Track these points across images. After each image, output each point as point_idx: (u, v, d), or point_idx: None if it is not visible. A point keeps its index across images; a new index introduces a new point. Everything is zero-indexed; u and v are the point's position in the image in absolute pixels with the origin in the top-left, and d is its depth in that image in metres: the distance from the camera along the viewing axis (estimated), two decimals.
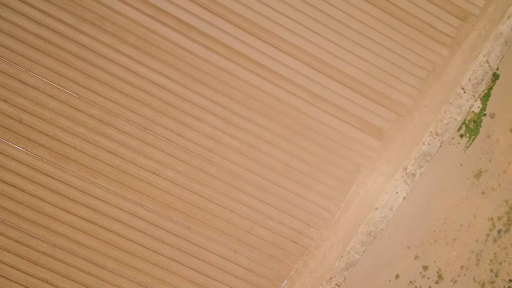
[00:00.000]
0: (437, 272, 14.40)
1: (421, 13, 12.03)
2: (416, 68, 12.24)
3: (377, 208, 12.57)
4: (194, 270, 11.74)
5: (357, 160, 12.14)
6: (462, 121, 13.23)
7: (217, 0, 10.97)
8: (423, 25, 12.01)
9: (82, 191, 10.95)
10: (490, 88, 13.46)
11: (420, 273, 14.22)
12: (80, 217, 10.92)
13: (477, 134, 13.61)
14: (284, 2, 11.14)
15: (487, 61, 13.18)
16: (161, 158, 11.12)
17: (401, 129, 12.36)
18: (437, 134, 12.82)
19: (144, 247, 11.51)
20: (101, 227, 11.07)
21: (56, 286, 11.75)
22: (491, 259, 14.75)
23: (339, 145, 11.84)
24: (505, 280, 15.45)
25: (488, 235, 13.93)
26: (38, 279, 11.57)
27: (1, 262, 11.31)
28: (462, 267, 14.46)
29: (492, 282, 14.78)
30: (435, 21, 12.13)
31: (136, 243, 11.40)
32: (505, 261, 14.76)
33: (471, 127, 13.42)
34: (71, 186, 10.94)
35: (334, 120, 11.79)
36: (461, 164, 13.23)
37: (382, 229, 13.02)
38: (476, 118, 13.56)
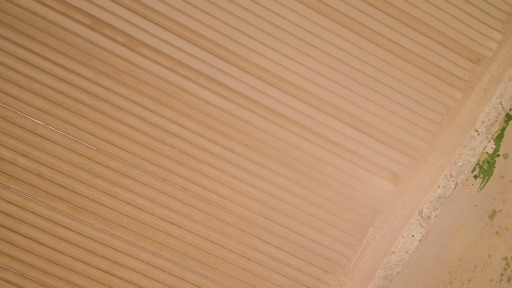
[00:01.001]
0: None
1: (433, 56, 12.10)
2: (430, 111, 12.30)
3: (393, 252, 12.63)
4: None
5: (373, 205, 12.17)
6: (476, 162, 13.25)
7: (231, 49, 11.04)
8: (436, 68, 12.08)
9: (101, 243, 10.97)
10: (503, 129, 13.54)
11: None
12: (99, 269, 10.94)
13: (491, 175, 13.68)
14: (298, 50, 11.23)
15: (500, 103, 13.28)
16: (178, 208, 11.16)
17: (416, 173, 12.40)
18: (451, 176, 12.87)
19: None
20: (120, 278, 11.10)
21: None
22: None
23: (354, 190, 11.87)
24: None
25: (502, 274, 13.94)
26: None
27: None
28: None
29: None
30: (448, 65, 12.19)
31: None
32: None
33: (485, 168, 13.44)
34: (90, 238, 10.97)
35: (349, 166, 11.84)
36: (475, 205, 13.26)
37: (398, 272, 13.06)
38: (489, 159, 13.64)
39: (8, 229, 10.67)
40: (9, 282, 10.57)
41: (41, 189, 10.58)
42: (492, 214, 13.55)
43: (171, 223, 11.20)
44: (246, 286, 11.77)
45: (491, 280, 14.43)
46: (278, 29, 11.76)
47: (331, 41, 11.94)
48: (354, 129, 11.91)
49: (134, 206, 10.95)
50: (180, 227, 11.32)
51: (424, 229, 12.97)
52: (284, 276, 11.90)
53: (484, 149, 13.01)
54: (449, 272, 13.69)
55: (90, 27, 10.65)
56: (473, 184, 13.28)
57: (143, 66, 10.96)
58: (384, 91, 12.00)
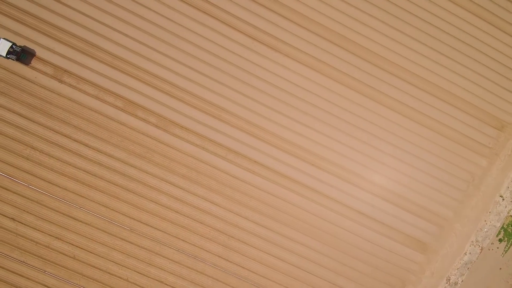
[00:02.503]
0: None
1: (458, 125, 12.21)
2: (456, 179, 12.39)
3: None
4: None
5: (401, 275, 12.25)
6: (501, 226, 13.37)
7: (260, 125, 11.15)
8: (461, 136, 12.18)
9: None
10: None
11: None
12: None
13: None
14: (329, 125, 11.33)
15: None
16: (210, 285, 11.24)
17: (443, 241, 12.49)
18: (477, 242, 12.96)
19: None
20: None
21: None
22: None
23: (383, 261, 11.95)
24: None
25: None
26: None
27: None
28: None
29: None
30: (473, 132, 12.30)
31: None
32: None
33: (509, 231, 13.54)
34: None
35: (377, 236, 11.93)
36: (500, 268, 13.36)
37: None
38: None
39: None
40: None
41: (76, 271, 10.67)
42: None
43: None
44: None
45: None
46: (310, 105, 11.83)
47: (362, 116, 12.05)
48: (382, 199, 11.99)
49: (167, 285, 11.04)
50: None
51: None
52: None
53: (508, 212, 13.12)
54: None
55: (122, 109, 10.77)
56: (497, 248, 13.37)
57: (174, 145, 11.07)
58: (411, 161, 12.11)
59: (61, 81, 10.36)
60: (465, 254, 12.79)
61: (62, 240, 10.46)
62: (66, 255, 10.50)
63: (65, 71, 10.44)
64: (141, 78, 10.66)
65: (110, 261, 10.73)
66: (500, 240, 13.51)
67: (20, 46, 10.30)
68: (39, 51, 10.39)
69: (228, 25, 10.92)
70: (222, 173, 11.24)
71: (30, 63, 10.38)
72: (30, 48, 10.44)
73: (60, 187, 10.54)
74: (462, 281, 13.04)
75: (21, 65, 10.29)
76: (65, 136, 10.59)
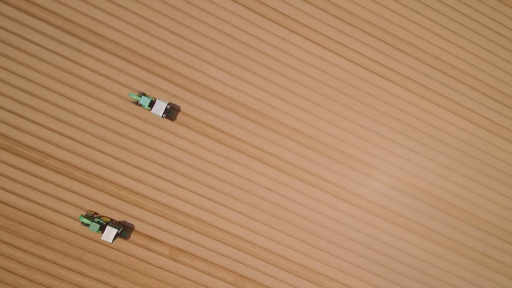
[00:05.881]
0: None
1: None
2: None
3: None
4: None
5: None
6: None
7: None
8: None
9: None
10: None
11: None
12: None
13: None
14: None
15: None
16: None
17: None
18: None
19: None
20: None
21: None
22: None
23: None
24: None
25: None
26: None
27: None
28: None
29: None
30: None
31: None
32: None
33: None
34: None
35: None
36: None
37: None
38: None
39: None
40: None
41: None
42: None
43: None
44: None
45: None
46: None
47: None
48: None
49: None
50: None
51: None
52: None
53: None
54: None
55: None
56: None
57: None
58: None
59: (176, 260, 10.78)
60: None
61: None
62: None
63: (180, 250, 10.91)
64: (253, 253, 11.18)
65: None
66: None
67: (120, 225, 10.77)
68: (153, 234, 10.82)
69: None
70: None
71: (130, 237, 10.80)
72: (129, 223, 10.94)
73: None
74: None
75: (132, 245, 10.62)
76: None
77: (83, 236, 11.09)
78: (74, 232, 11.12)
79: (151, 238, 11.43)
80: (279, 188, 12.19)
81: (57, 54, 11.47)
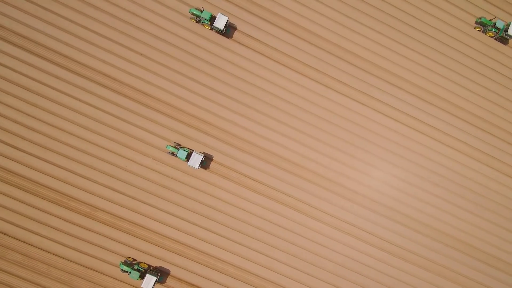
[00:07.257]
0: None
1: None
2: None
3: None
4: None
5: None
6: None
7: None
8: None
9: None
10: None
11: None
12: None
13: None
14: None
15: None
16: None
17: None
18: None
19: None
20: None
21: None
22: None
23: None
24: None
25: None
26: None
27: None
28: None
29: None
30: None
31: None
32: None
33: None
34: None
35: None
36: None
37: None
38: None
39: None
40: None
41: None
42: None
43: None
44: None
45: None
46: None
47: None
48: None
49: None
50: None
51: None
52: None
53: None
54: None
55: None
56: None
57: None
58: None
59: None
60: None
61: None
62: None
63: None
64: None
65: None
66: None
67: (157, 271, 11.07)
68: None
69: None
70: None
71: (165, 281, 11.15)
72: (165, 268, 11.37)
73: None
74: None
75: None
76: None
77: (126, 283, 11.68)
78: (120, 281, 11.71)
79: (188, 283, 12.01)
80: (303, 232, 12.72)
81: (103, 111, 13.12)
